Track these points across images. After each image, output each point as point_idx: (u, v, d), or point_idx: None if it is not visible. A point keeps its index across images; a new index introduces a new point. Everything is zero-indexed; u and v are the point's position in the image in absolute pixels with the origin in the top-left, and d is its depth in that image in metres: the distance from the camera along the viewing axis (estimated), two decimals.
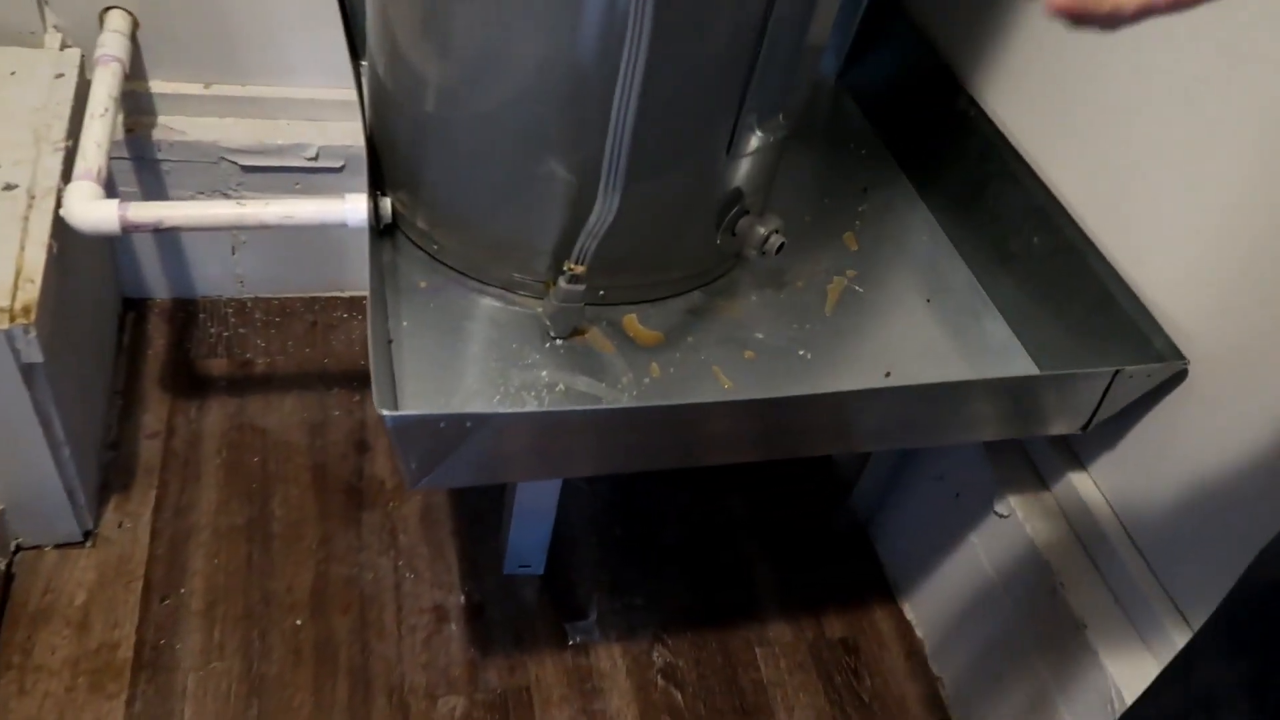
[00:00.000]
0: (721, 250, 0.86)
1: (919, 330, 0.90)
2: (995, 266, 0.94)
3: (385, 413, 0.57)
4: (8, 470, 0.86)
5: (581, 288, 0.76)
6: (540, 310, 0.80)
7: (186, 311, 1.17)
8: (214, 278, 1.18)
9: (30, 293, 0.75)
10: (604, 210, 0.67)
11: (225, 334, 1.16)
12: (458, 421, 0.59)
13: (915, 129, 1.07)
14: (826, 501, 1.15)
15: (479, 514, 1.06)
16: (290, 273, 1.20)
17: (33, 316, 0.73)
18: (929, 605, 1.03)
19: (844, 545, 1.12)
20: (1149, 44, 0.78)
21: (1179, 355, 0.76)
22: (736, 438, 0.75)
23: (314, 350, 1.17)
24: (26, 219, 0.79)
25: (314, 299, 1.23)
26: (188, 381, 1.10)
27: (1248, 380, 0.71)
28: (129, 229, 0.79)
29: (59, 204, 0.80)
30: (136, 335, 1.13)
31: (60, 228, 0.80)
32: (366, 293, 0.70)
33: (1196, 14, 0.73)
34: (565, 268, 0.74)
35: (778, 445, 0.79)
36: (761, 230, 0.83)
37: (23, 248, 0.77)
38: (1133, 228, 0.81)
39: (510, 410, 0.68)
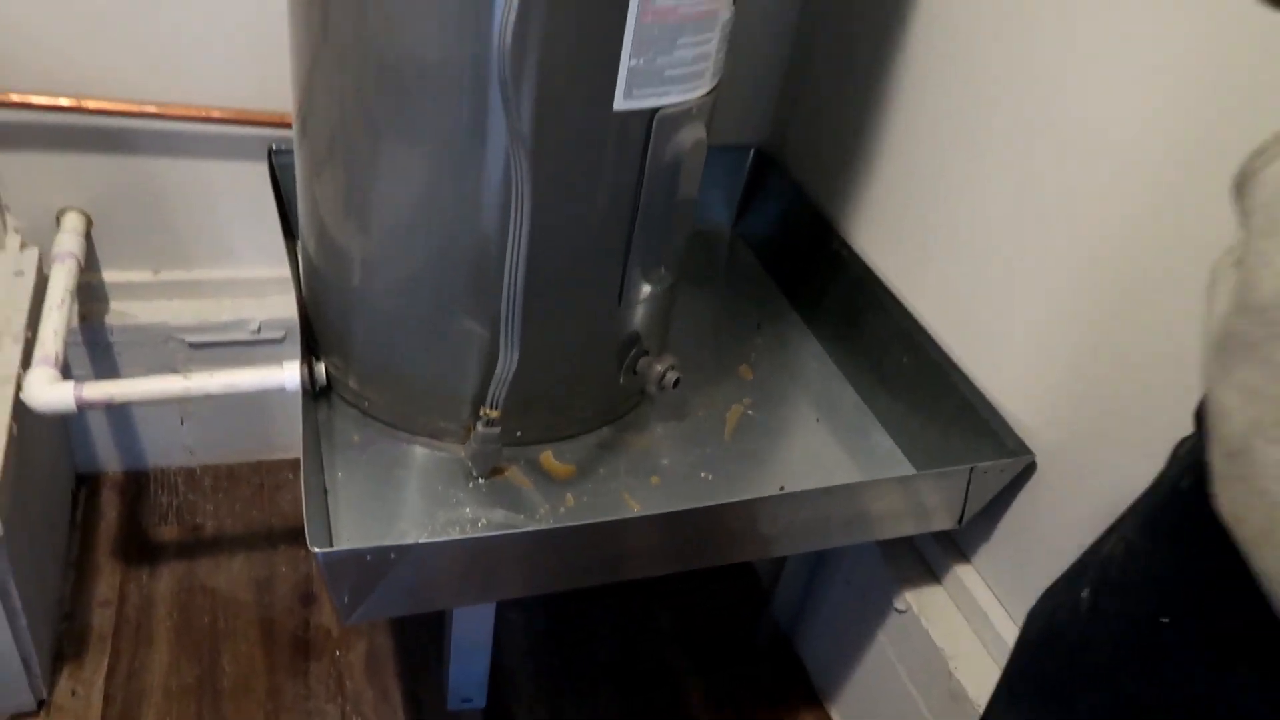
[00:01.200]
0: (626, 389, 0.96)
1: (810, 447, 0.99)
2: (875, 385, 1.05)
3: (316, 549, 0.65)
4: None
5: (497, 430, 0.85)
6: (463, 453, 0.89)
7: (138, 483, 1.24)
8: (164, 448, 1.25)
9: None
10: (507, 360, 0.77)
11: (175, 501, 1.22)
12: (382, 553, 0.67)
13: (800, 269, 1.20)
14: (749, 611, 1.22)
15: (422, 653, 1.10)
16: (237, 438, 1.28)
17: None
18: (853, 707, 1.09)
19: (769, 653, 1.18)
20: (985, 184, 0.92)
21: (1026, 450, 0.86)
22: (648, 550, 0.83)
23: (261, 511, 1.23)
24: None
25: (261, 462, 1.30)
26: (139, 549, 1.16)
27: (1085, 468, 0.81)
28: (84, 407, 0.87)
29: (19, 389, 0.88)
30: (90, 509, 1.19)
31: (19, 410, 0.88)
32: None
33: (1022, 150, 0.87)
34: (481, 413, 0.83)
35: (687, 555, 0.87)
36: (659, 368, 0.93)
37: None
38: (981, 342, 0.93)
39: (429, 540, 0.75)
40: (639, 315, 0.91)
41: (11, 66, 0.97)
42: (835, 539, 0.92)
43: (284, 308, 1.19)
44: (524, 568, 0.79)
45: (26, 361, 0.92)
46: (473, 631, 0.97)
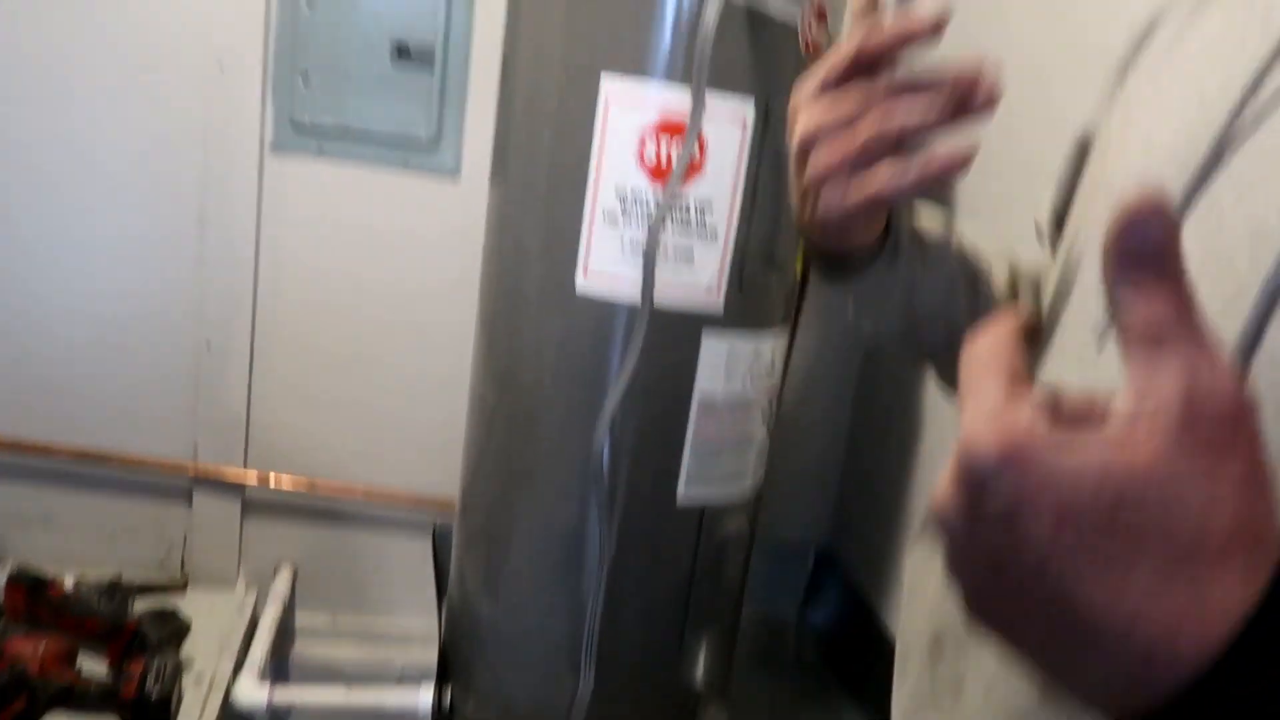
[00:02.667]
0: None
1: None
2: None
3: None
4: None
5: None
6: None
7: None
8: None
9: None
10: (584, 683, 1.02)
11: None
12: None
13: (847, 651, 1.42)
14: None
15: None
16: None
17: None
18: None
19: None
20: None
21: None
22: None
23: None
24: (206, 698, 1.17)
25: None
26: None
27: None
28: (270, 707, 1.15)
29: (229, 689, 1.18)
30: None
31: (224, 704, 1.17)
32: None
33: None
34: None
35: None
36: (713, 709, 1.15)
37: (200, 716, 1.14)
38: None
39: None
40: (698, 669, 1.15)
41: (272, 451, 1.39)
42: None
43: (423, 656, 1.47)
44: None
45: (237, 670, 1.22)
46: None
